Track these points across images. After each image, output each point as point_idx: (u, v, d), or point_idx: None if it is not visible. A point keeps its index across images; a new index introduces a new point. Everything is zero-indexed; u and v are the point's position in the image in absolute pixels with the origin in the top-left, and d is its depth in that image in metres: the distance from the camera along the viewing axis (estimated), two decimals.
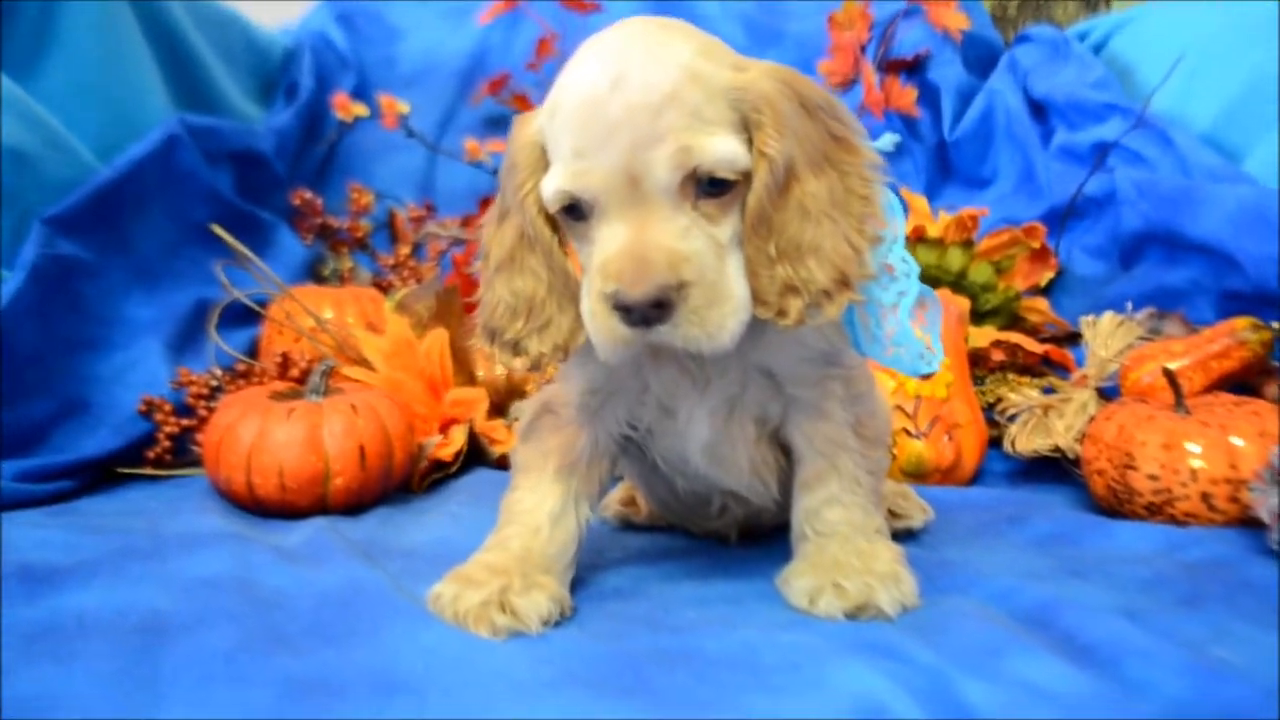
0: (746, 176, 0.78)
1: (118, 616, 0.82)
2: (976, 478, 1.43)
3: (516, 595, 0.83)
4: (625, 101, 0.74)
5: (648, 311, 0.75)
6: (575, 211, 0.80)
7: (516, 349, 0.88)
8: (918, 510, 1.13)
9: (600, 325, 0.78)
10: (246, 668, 0.73)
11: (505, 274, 0.88)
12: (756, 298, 0.79)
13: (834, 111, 0.83)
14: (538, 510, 0.91)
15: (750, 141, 0.78)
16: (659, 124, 0.74)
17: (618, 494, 1.18)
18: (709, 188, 0.77)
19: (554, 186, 0.79)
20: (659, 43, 0.78)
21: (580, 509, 0.92)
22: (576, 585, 0.92)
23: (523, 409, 0.99)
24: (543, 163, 0.83)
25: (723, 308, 0.77)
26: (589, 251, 0.80)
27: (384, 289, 1.91)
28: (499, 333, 0.88)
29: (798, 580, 0.89)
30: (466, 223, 2.01)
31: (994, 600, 0.88)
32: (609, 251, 0.77)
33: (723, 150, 0.76)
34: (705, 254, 0.77)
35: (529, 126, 0.85)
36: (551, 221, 0.84)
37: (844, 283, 0.80)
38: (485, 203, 2.05)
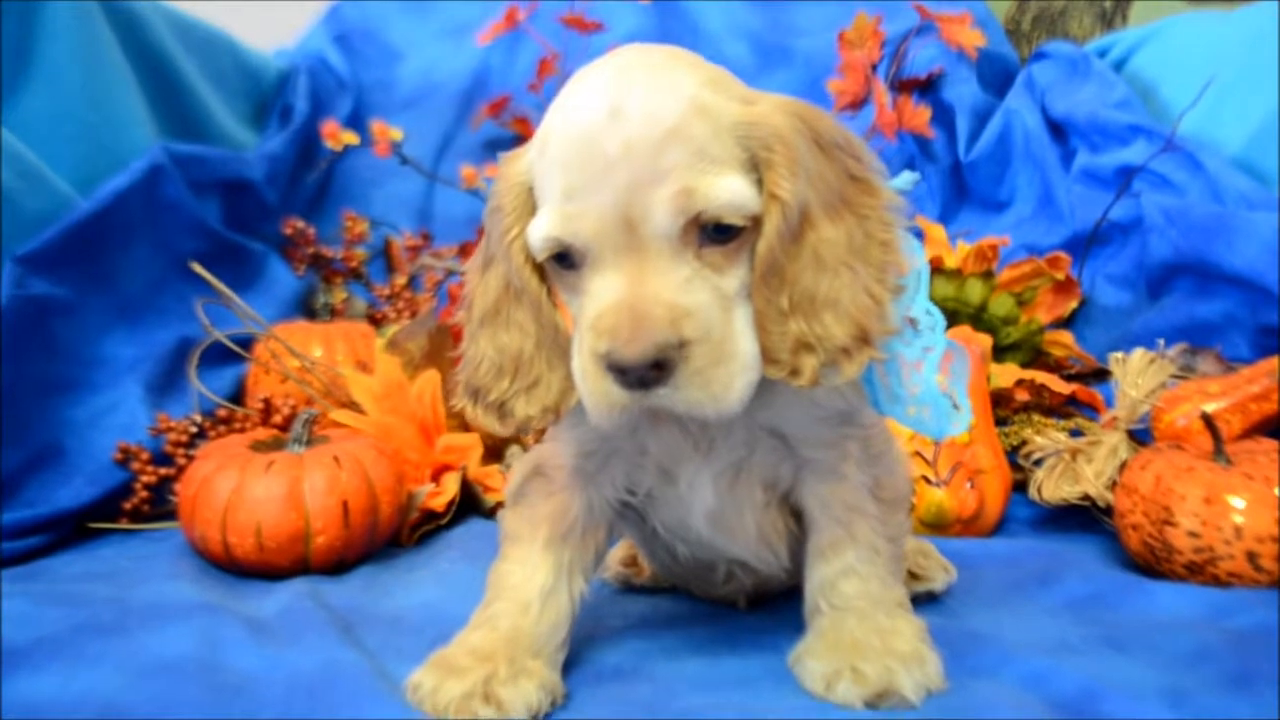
0: (756, 221, 0.71)
1: (72, 708, 0.76)
2: (1000, 526, 1.35)
3: (502, 685, 0.76)
4: (624, 135, 0.67)
5: (645, 373, 0.68)
6: (565, 260, 0.73)
7: (502, 411, 0.80)
8: (940, 570, 1.05)
9: (593, 387, 0.71)
10: None
11: (490, 328, 0.81)
12: (767, 356, 0.72)
13: (852, 149, 0.75)
14: (528, 585, 0.83)
15: (760, 183, 0.71)
16: (661, 161, 0.67)
17: (618, 553, 1.10)
18: (714, 234, 0.70)
19: (541, 232, 0.72)
20: (662, 71, 0.71)
21: (574, 583, 0.85)
22: (572, 662, 0.86)
23: (516, 456, 0.91)
24: (530, 205, 0.76)
25: (729, 367, 0.70)
26: (580, 304, 0.73)
27: (378, 321, 1.83)
28: (483, 393, 0.81)
29: (812, 661, 0.81)
30: (464, 251, 1.94)
31: (1028, 684, 0.81)
32: (602, 305, 0.70)
33: (729, 193, 0.69)
34: (709, 308, 0.69)
35: (516, 165, 0.78)
36: (540, 270, 0.77)
37: (864, 339, 0.73)
38: (483, 231, 1.98)
